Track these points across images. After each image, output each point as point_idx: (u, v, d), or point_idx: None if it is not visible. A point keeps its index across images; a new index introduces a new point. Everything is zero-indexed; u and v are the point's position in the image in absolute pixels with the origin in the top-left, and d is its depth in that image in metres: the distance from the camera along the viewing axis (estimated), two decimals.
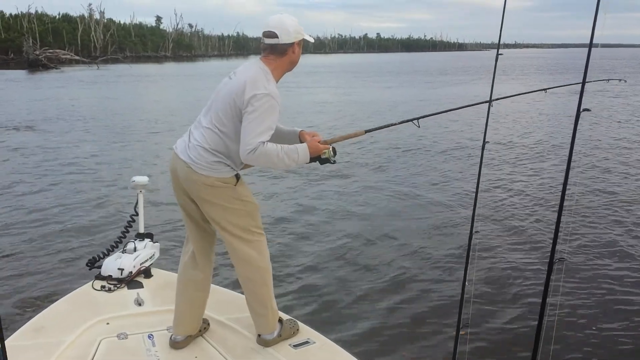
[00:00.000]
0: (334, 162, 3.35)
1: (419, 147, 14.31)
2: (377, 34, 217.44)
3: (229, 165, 3.23)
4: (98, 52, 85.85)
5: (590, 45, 2.49)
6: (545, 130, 16.78)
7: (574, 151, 2.61)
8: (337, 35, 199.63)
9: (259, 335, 3.50)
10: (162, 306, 3.87)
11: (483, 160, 3.55)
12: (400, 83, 39.94)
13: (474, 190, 3.80)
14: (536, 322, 2.79)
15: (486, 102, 3.65)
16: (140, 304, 3.92)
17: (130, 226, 4.51)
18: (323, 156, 3.29)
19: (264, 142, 3.05)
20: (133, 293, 4.04)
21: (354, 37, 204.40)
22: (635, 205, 8.59)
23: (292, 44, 3.28)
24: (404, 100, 26.39)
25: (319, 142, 3.29)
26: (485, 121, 3.58)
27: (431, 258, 6.60)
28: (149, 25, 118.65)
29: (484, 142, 3.48)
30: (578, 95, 2.58)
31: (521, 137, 15.67)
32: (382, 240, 7.27)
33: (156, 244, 4.50)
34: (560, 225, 2.63)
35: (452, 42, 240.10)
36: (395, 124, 3.65)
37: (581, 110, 2.50)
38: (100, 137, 15.92)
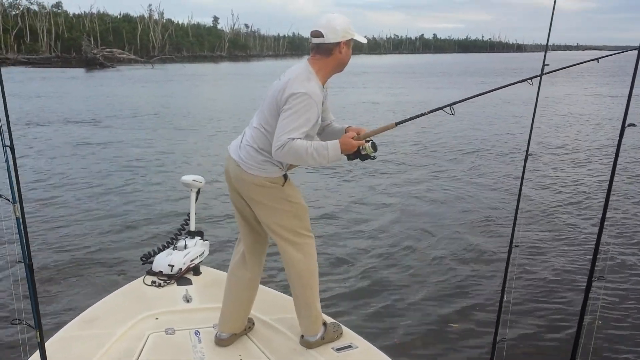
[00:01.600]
0: (374, 157, 3.29)
1: (460, 143, 14.43)
2: (434, 34, 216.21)
3: (276, 165, 3.25)
4: (156, 52, 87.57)
5: None
6: (592, 137, 16.17)
7: (617, 165, 2.53)
8: (392, 36, 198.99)
9: (302, 337, 3.53)
10: (209, 303, 3.94)
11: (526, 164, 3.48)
12: (452, 84, 39.51)
13: (515, 198, 3.74)
14: (573, 339, 2.78)
15: (537, 76, 3.41)
16: (188, 301, 4.02)
17: (187, 224, 4.63)
18: (363, 152, 3.25)
19: (293, 139, 3.04)
20: (182, 289, 4.14)
21: (410, 37, 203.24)
22: None
23: (339, 43, 3.25)
24: (450, 98, 26.01)
25: (352, 137, 3.24)
26: (529, 132, 3.51)
27: (471, 266, 6.54)
28: (206, 26, 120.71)
29: (527, 154, 3.40)
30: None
31: (568, 141, 15.28)
32: (424, 244, 7.24)
33: (206, 242, 4.60)
34: (601, 242, 2.58)
35: (511, 43, 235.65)
36: (425, 114, 3.53)
37: (626, 125, 2.43)
38: (152, 134, 16.31)
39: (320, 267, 3.56)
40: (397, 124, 3.48)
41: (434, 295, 5.78)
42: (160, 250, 4.50)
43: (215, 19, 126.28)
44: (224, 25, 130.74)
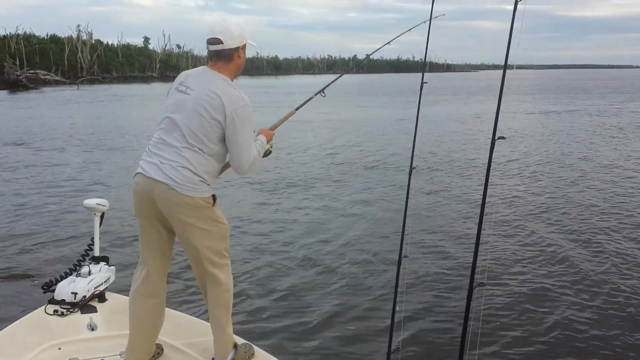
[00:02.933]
0: (271, 152, 3.58)
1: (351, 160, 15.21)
2: (366, 54, 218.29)
3: (208, 185, 3.27)
4: (85, 73, 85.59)
5: (505, 66, 2.56)
6: (469, 151, 17.15)
7: (490, 177, 2.66)
8: (326, 56, 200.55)
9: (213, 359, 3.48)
10: (115, 331, 3.84)
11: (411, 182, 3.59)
12: (379, 104, 40.48)
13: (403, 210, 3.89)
14: (459, 342, 2.90)
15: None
16: (93, 329, 3.90)
17: (90, 249, 4.48)
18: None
19: (255, 151, 3.26)
20: (86, 317, 4.01)
21: (344, 57, 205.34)
22: (557, 232, 8.74)
23: (237, 48, 3.29)
24: (373, 118, 26.67)
25: (264, 129, 3.52)
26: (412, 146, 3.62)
27: (366, 279, 6.79)
28: (136, 46, 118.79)
29: (411, 169, 3.51)
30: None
31: (448, 154, 16.31)
32: (323, 261, 7.43)
33: (112, 267, 4.48)
34: (479, 251, 2.69)
35: (441, 63, 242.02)
36: (312, 98, 4.08)
37: (496, 138, 2.54)
38: (65, 156, 16.07)
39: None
40: (296, 109, 3.95)
41: (335, 310, 5.95)
42: (62, 278, 4.35)
43: (146, 39, 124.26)
44: (155, 45, 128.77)
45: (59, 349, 3.64)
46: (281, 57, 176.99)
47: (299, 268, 7.20)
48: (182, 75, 3.39)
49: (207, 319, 3.65)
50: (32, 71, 68.78)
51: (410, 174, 3.51)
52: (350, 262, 7.36)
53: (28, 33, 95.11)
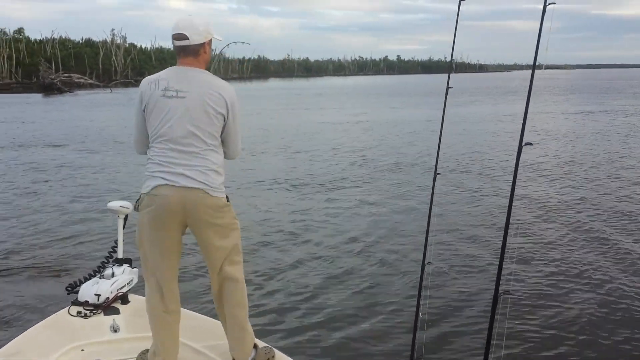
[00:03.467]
0: None
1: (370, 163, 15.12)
2: (398, 56, 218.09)
3: (224, 183, 3.33)
4: (118, 76, 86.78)
5: (534, 67, 2.49)
6: (498, 155, 16.85)
7: (516, 184, 2.60)
8: (357, 58, 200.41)
9: None
10: (137, 332, 3.83)
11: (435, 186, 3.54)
12: (404, 104, 40.41)
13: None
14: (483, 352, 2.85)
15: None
16: (116, 331, 3.90)
17: (114, 251, 4.49)
18: None
19: None
20: (109, 319, 4.01)
21: (375, 59, 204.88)
22: (583, 240, 8.49)
23: (203, 44, 3.28)
24: (403, 119, 26.49)
25: None
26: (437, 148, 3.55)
27: (386, 288, 6.65)
28: (169, 49, 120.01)
29: (435, 174, 3.46)
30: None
31: (470, 159, 15.97)
32: (344, 266, 7.35)
33: (134, 269, 4.47)
34: (505, 259, 2.63)
35: (473, 63, 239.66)
36: None
37: (523, 144, 2.48)
38: (97, 157, 16.36)
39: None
40: None
41: (356, 314, 5.89)
42: (86, 279, 4.35)
43: None
44: None
45: (82, 350, 3.64)
46: (312, 59, 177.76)
47: (319, 269, 7.19)
48: (161, 82, 3.26)
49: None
50: (66, 75, 70.22)
51: (434, 179, 3.46)
52: (373, 266, 7.30)
53: (64, 37, 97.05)
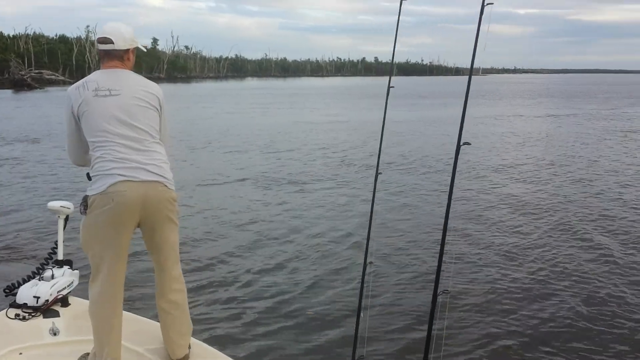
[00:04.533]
0: None
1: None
2: (375, 57, 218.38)
3: None
4: (91, 73, 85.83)
5: (471, 72, 2.47)
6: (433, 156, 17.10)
7: (455, 183, 2.59)
8: (335, 59, 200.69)
9: (185, 356, 3.49)
10: (78, 336, 3.74)
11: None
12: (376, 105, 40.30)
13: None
14: (423, 350, 2.88)
15: None
16: (55, 334, 3.79)
17: (54, 253, 4.37)
18: None
19: None
20: (48, 322, 3.90)
21: (352, 60, 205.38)
22: (515, 234, 8.77)
23: (127, 50, 3.34)
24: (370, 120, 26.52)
25: None
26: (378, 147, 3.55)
27: (329, 286, 6.67)
28: (144, 47, 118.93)
29: (377, 174, 3.46)
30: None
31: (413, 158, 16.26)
32: (283, 265, 7.36)
33: (75, 271, 4.35)
34: (444, 259, 2.64)
35: (449, 66, 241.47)
36: None
37: (461, 144, 2.48)
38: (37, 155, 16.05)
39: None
40: None
41: (298, 315, 5.87)
42: (25, 281, 4.22)
43: (155, 41, 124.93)
44: (163, 46, 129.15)
45: (20, 354, 3.53)
46: (290, 59, 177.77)
47: (260, 266, 7.22)
48: (90, 84, 3.26)
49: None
50: (37, 71, 69.37)
51: (376, 179, 3.45)
52: (315, 267, 7.29)
53: (37, 33, 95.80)
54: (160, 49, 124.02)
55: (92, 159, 3.23)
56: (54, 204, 4.26)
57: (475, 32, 2.53)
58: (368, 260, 3.49)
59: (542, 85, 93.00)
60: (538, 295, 6.42)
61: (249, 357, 4.96)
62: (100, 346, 3.32)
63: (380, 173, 3.46)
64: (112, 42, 3.28)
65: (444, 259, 2.88)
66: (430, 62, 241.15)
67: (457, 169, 2.59)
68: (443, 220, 2.81)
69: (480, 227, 9.09)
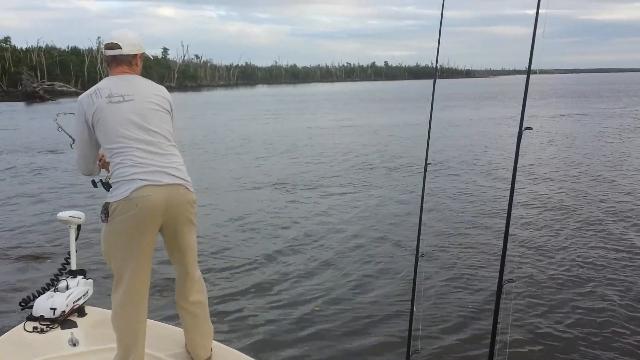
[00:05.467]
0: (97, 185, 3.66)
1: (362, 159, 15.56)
2: (385, 62, 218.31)
3: None
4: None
5: (529, 72, 2.51)
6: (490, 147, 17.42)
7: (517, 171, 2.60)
8: (345, 64, 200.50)
9: (208, 358, 3.52)
10: (97, 345, 3.73)
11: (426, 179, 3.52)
12: (387, 110, 40.59)
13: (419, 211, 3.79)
14: (488, 347, 2.83)
15: None
16: (75, 345, 3.78)
17: (67, 263, 4.37)
18: None
19: None
20: (67, 333, 3.89)
21: (362, 65, 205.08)
22: (585, 226, 8.72)
23: (135, 55, 3.34)
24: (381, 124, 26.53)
25: None
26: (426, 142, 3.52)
27: (380, 279, 6.66)
28: (155, 57, 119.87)
29: (426, 165, 3.44)
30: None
31: (465, 154, 16.44)
32: (331, 261, 7.37)
33: (89, 280, 4.35)
34: (507, 247, 2.61)
35: (460, 69, 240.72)
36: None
37: (523, 129, 2.50)
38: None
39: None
40: None
41: (345, 312, 5.80)
42: (40, 294, 4.22)
43: (165, 50, 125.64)
44: (174, 56, 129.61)
45: None
46: (300, 65, 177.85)
47: (313, 264, 7.22)
48: (103, 91, 3.24)
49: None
50: (48, 83, 69.87)
51: (425, 170, 3.44)
52: (367, 262, 7.28)
53: (50, 45, 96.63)
54: (171, 59, 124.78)
55: (110, 165, 3.23)
56: (64, 214, 4.26)
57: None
58: (420, 252, 3.45)
59: (553, 86, 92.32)
60: (610, 288, 6.29)
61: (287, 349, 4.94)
62: (125, 354, 3.29)
63: (429, 164, 3.44)
64: (119, 48, 3.29)
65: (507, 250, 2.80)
66: (440, 65, 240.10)
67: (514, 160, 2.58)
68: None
69: (543, 218, 9.08)
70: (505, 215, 2.72)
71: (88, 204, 10.22)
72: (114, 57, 3.31)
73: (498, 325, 2.68)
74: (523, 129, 2.73)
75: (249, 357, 3.61)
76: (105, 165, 3.45)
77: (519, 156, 2.66)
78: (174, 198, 3.17)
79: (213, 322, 3.65)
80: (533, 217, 9.22)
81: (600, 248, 7.62)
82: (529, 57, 2.52)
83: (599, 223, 8.82)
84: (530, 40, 2.58)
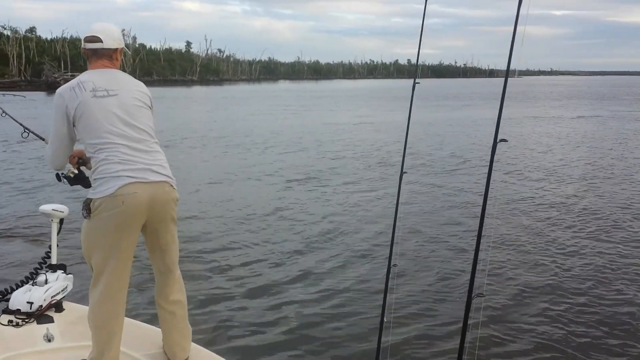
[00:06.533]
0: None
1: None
2: (408, 59, 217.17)
3: None
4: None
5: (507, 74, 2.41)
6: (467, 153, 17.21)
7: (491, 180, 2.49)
8: (368, 61, 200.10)
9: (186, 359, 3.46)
10: (73, 342, 3.65)
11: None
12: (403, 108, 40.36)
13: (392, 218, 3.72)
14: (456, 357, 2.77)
15: None
16: (50, 340, 3.70)
17: (48, 257, 4.28)
18: None
19: None
20: (42, 328, 3.81)
21: (385, 62, 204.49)
22: (557, 234, 8.66)
23: (116, 49, 3.28)
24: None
25: None
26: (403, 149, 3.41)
27: (351, 287, 6.55)
28: (179, 50, 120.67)
29: (401, 174, 3.33)
30: None
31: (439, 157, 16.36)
32: (300, 266, 7.24)
33: (69, 275, 4.27)
34: (479, 260, 2.52)
35: (483, 68, 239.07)
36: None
37: (497, 140, 2.38)
38: None
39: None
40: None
41: (319, 317, 5.74)
42: (18, 287, 4.14)
43: (188, 44, 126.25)
44: (197, 49, 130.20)
45: None
46: (323, 61, 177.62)
47: (282, 266, 7.15)
48: (87, 84, 3.16)
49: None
50: (70, 74, 70.65)
51: (400, 178, 3.33)
52: (338, 266, 7.21)
53: (74, 37, 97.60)
54: (194, 52, 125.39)
55: (93, 161, 3.14)
56: (46, 207, 4.19)
57: (512, 33, 2.44)
58: (393, 262, 3.35)
59: (577, 87, 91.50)
60: (581, 302, 6.23)
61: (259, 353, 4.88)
62: (99, 353, 3.22)
63: (405, 172, 3.33)
64: (101, 41, 3.24)
65: (478, 261, 2.75)
66: (464, 64, 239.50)
67: (493, 168, 2.46)
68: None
69: (517, 232, 8.91)
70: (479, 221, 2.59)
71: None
72: (95, 50, 3.25)
73: (466, 341, 2.58)
74: (498, 141, 2.65)
75: None
76: (73, 160, 3.41)
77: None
78: (159, 196, 3.12)
79: (192, 324, 3.58)
80: (510, 228, 9.05)
81: (584, 262, 7.48)
82: (507, 58, 2.38)
83: (579, 236, 8.67)
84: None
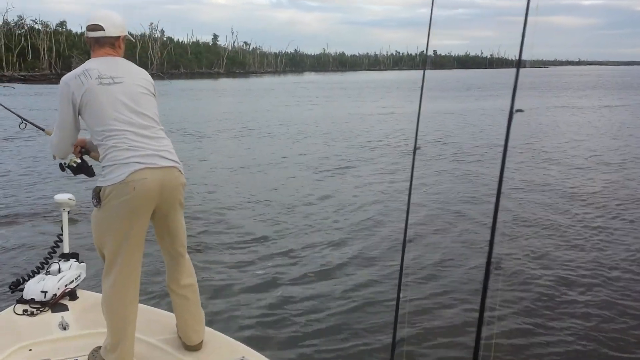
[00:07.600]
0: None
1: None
2: (434, 50, 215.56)
3: None
4: (154, 69, 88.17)
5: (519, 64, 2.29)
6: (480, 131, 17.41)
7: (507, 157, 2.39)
8: (393, 53, 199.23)
9: (192, 345, 3.45)
10: (88, 329, 3.64)
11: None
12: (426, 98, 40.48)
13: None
14: (474, 335, 2.56)
15: None
16: (65, 328, 3.68)
17: (58, 246, 4.29)
18: None
19: None
20: (57, 317, 3.79)
21: (410, 54, 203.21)
22: (574, 205, 8.73)
23: (119, 37, 3.25)
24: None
25: None
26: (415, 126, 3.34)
27: (366, 266, 6.53)
28: (206, 43, 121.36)
29: (415, 149, 3.25)
30: None
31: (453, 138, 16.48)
32: (316, 248, 7.20)
33: (82, 264, 4.25)
34: (496, 230, 2.43)
35: (510, 59, 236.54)
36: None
37: (514, 111, 2.28)
38: None
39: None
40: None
41: (330, 299, 5.69)
42: (30, 277, 4.15)
43: (215, 37, 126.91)
44: (223, 42, 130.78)
45: (30, 350, 3.45)
46: (348, 53, 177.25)
47: (297, 256, 6.98)
48: (92, 72, 3.15)
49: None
50: None
51: (414, 154, 3.25)
52: (349, 251, 7.10)
53: None
54: (220, 45, 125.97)
55: (101, 149, 3.10)
56: (61, 197, 4.19)
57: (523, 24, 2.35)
58: (408, 238, 3.26)
59: (602, 77, 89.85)
60: (599, 280, 6.07)
61: (274, 348, 4.76)
62: (115, 339, 3.20)
63: (418, 148, 3.24)
64: (102, 29, 3.20)
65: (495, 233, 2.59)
66: (490, 55, 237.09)
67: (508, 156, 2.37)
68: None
69: (532, 209, 8.85)
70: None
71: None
72: (97, 39, 3.22)
73: (484, 313, 2.49)
74: (515, 111, 2.51)
75: (241, 344, 3.52)
76: (76, 149, 3.39)
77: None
78: (169, 180, 3.10)
79: (206, 311, 3.58)
80: (525, 204, 8.96)
81: (601, 238, 7.40)
82: (519, 48, 2.26)
83: (599, 212, 8.60)
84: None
